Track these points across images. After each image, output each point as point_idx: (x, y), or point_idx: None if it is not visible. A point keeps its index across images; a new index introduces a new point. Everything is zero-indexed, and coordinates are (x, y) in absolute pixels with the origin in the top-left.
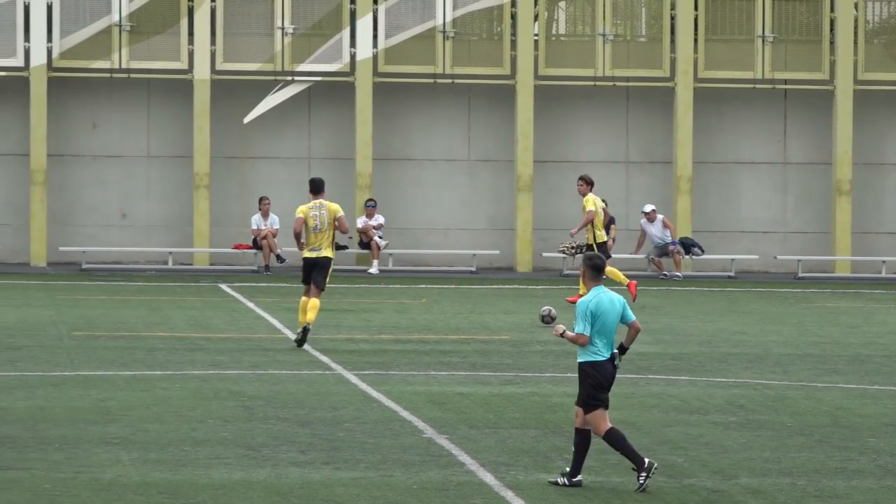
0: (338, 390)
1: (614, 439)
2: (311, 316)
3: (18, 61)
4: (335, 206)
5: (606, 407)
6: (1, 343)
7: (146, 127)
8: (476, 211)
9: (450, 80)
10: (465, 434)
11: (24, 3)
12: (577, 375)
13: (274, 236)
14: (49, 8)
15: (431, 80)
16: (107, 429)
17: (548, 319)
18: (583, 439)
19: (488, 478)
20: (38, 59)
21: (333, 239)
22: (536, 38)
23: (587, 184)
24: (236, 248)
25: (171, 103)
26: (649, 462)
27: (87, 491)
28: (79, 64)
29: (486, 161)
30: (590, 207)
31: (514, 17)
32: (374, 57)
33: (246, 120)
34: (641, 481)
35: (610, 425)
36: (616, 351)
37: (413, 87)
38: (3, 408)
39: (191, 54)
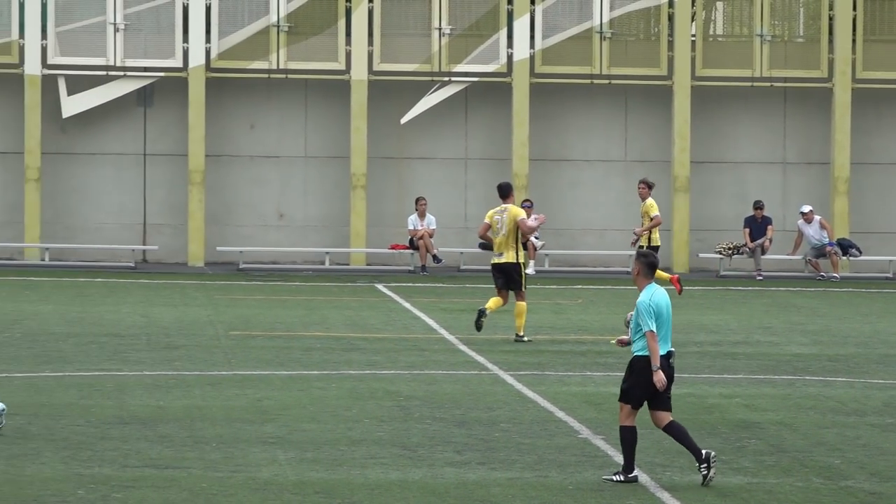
0: (494, 390)
1: (627, 438)
2: (519, 322)
3: (177, 62)
4: (516, 210)
5: (638, 407)
6: (159, 342)
7: (304, 127)
8: (632, 212)
9: (606, 81)
10: None
11: (184, 4)
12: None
13: (430, 236)
14: (208, 9)
15: (588, 81)
16: (263, 428)
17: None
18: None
19: (644, 478)
20: (197, 59)
21: (517, 243)
22: (693, 38)
23: (648, 187)
24: (393, 248)
25: (329, 104)
26: (633, 476)
27: (243, 490)
28: (237, 64)
29: (643, 162)
30: (655, 213)
31: (671, 17)
32: (531, 58)
33: (403, 120)
34: (615, 478)
35: (632, 424)
36: (673, 350)
37: (570, 87)
38: (162, 407)
39: (348, 55)
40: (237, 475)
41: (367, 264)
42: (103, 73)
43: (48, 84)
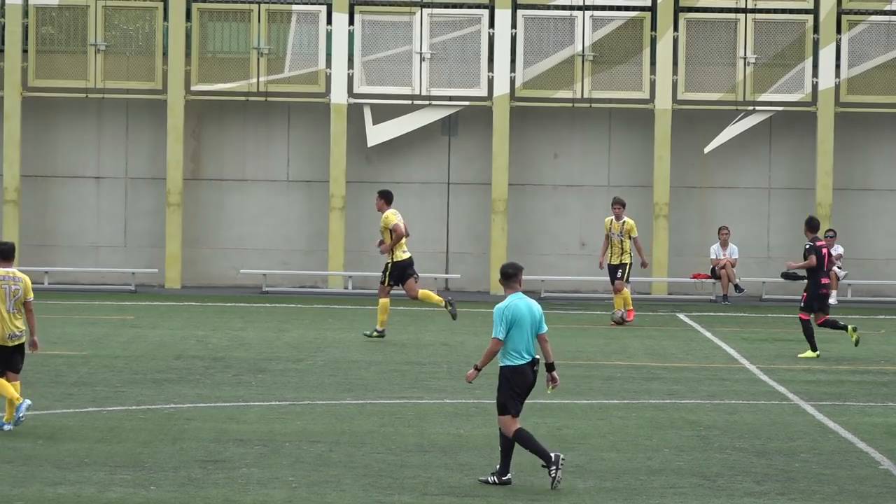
0: (794, 420)
1: (523, 439)
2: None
3: (482, 91)
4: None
5: (517, 415)
6: (460, 371)
7: (607, 157)
8: None
9: None
10: None
11: (489, 34)
12: None
13: (732, 266)
14: (513, 39)
15: (895, 111)
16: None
17: None
18: (506, 438)
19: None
20: (501, 88)
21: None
22: None
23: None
24: (695, 277)
25: (632, 133)
26: (556, 455)
27: None
28: (541, 94)
29: None
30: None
31: None
32: (837, 87)
33: (707, 149)
34: (553, 475)
35: (519, 426)
36: (538, 357)
37: (875, 116)
38: (462, 435)
39: (652, 84)
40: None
41: (669, 293)
42: (408, 102)
43: (354, 113)
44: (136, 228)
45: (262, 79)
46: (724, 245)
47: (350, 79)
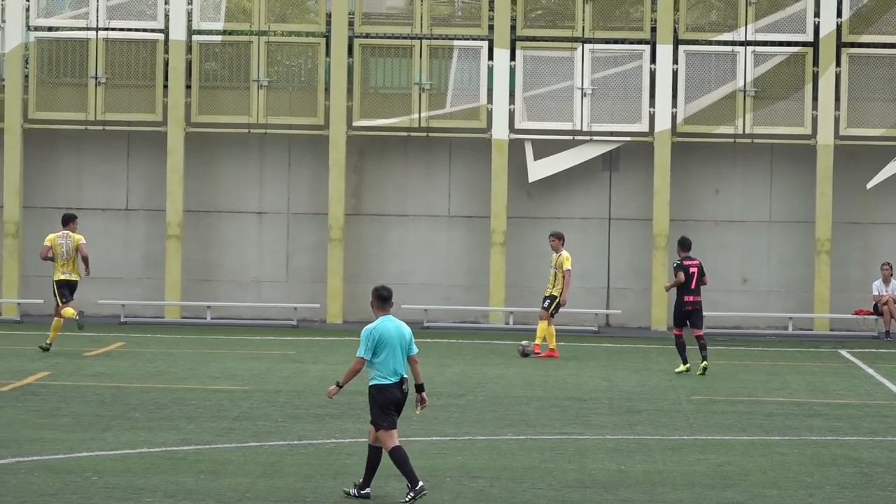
0: None
1: (398, 458)
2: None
3: (643, 126)
4: None
5: (391, 427)
6: (620, 406)
7: (768, 192)
8: None
9: None
10: None
11: (651, 69)
12: None
13: (895, 302)
14: (675, 74)
15: None
16: (723, 493)
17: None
18: (374, 455)
19: None
20: (663, 124)
21: None
22: None
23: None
24: (857, 313)
25: (794, 168)
26: (421, 485)
27: None
28: (702, 129)
29: None
30: None
31: None
32: None
33: (869, 185)
34: (408, 499)
35: (397, 444)
36: (405, 376)
37: None
38: (622, 471)
39: (814, 119)
40: None
41: (831, 330)
42: (569, 137)
43: (515, 148)
44: (297, 263)
45: (423, 114)
46: (886, 281)
47: (511, 114)
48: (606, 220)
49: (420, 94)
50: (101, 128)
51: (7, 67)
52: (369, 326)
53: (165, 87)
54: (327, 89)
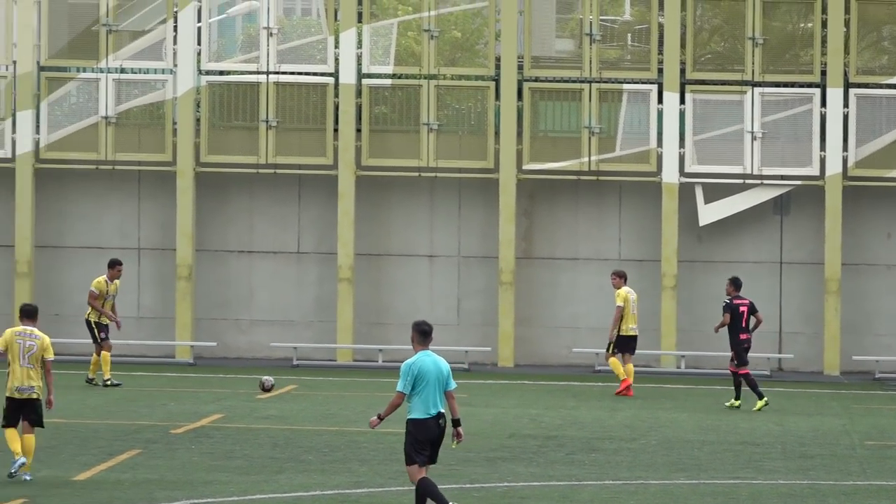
0: None
1: (426, 487)
2: None
3: (814, 170)
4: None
5: (422, 465)
6: (793, 451)
7: None
8: None
9: None
10: None
11: (821, 113)
12: None
13: None
14: (845, 118)
15: None
16: None
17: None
18: (425, 488)
19: None
20: (834, 168)
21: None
22: None
23: None
24: None
25: None
26: None
27: None
28: (874, 173)
29: None
30: None
31: None
32: None
33: None
34: None
35: (423, 475)
36: (442, 411)
37: None
38: None
39: None
40: None
41: None
42: (740, 181)
43: (685, 192)
44: (468, 307)
45: (593, 157)
46: None
47: (681, 158)
48: (778, 265)
49: (590, 138)
50: (272, 171)
51: (179, 111)
52: (408, 361)
53: (336, 130)
54: (497, 133)
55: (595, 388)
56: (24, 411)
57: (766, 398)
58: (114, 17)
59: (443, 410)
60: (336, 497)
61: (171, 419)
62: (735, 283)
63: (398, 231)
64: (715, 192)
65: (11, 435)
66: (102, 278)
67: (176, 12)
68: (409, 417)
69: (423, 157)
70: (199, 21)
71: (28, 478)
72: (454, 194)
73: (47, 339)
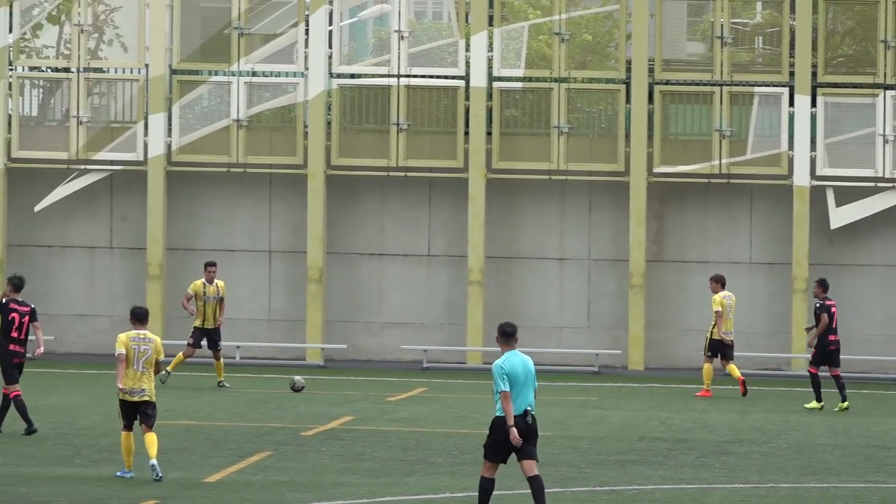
0: None
1: (483, 485)
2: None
3: None
4: None
5: (494, 463)
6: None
7: None
8: None
9: None
10: None
11: None
12: None
13: None
14: None
15: None
16: None
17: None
18: (535, 487)
19: None
20: None
21: None
22: None
23: None
24: None
25: None
26: None
27: None
28: None
29: None
30: None
31: None
32: None
33: None
34: None
35: (490, 476)
36: (529, 408)
37: None
38: None
39: None
40: None
41: None
42: (871, 184)
43: (816, 195)
44: (599, 310)
45: (724, 161)
46: None
47: (813, 161)
48: None
49: (720, 141)
50: (402, 174)
51: (310, 114)
52: (498, 362)
53: (466, 133)
54: (627, 136)
55: (725, 392)
56: (139, 413)
57: (823, 403)
58: (245, 20)
59: (530, 408)
60: (465, 499)
61: (302, 421)
62: (823, 285)
63: (528, 234)
64: (846, 196)
65: (127, 443)
66: (200, 281)
67: (307, 15)
68: (497, 415)
69: (554, 160)
70: (331, 24)
71: (159, 476)
72: (584, 197)
73: (159, 341)
